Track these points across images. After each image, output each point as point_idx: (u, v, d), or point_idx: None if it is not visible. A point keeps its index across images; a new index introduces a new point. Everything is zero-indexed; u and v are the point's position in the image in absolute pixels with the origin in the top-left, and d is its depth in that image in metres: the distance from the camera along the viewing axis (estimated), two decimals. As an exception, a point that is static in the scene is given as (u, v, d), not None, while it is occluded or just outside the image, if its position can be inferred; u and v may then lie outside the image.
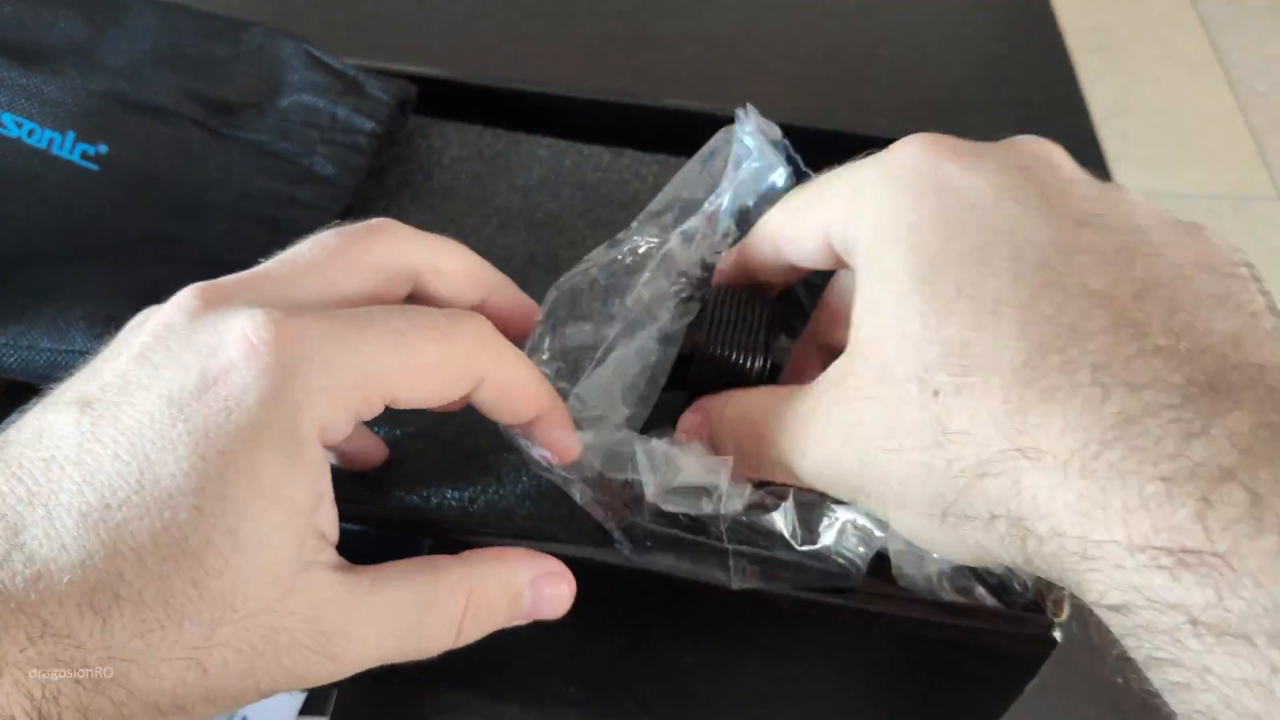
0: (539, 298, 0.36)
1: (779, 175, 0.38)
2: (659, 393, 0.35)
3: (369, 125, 0.48)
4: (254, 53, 0.49)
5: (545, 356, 0.35)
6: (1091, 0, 1.43)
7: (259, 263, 0.31)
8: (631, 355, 0.35)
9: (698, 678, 0.44)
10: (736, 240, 0.38)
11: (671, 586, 0.37)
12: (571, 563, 0.31)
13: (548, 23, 0.82)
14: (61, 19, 0.46)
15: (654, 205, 0.40)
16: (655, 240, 0.38)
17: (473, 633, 0.28)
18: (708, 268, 0.37)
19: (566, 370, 0.35)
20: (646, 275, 0.36)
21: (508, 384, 0.29)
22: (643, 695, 0.47)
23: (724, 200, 0.38)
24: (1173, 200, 1.24)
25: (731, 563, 0.35)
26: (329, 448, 0.26)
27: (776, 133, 0.39)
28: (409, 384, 0.26)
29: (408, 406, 0.27)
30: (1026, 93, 0.84)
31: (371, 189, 0.49)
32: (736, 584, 0.36)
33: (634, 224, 0.39)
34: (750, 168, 0.38)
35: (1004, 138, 0.28)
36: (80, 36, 0.46)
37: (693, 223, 0.38)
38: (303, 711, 0.42)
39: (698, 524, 0.35)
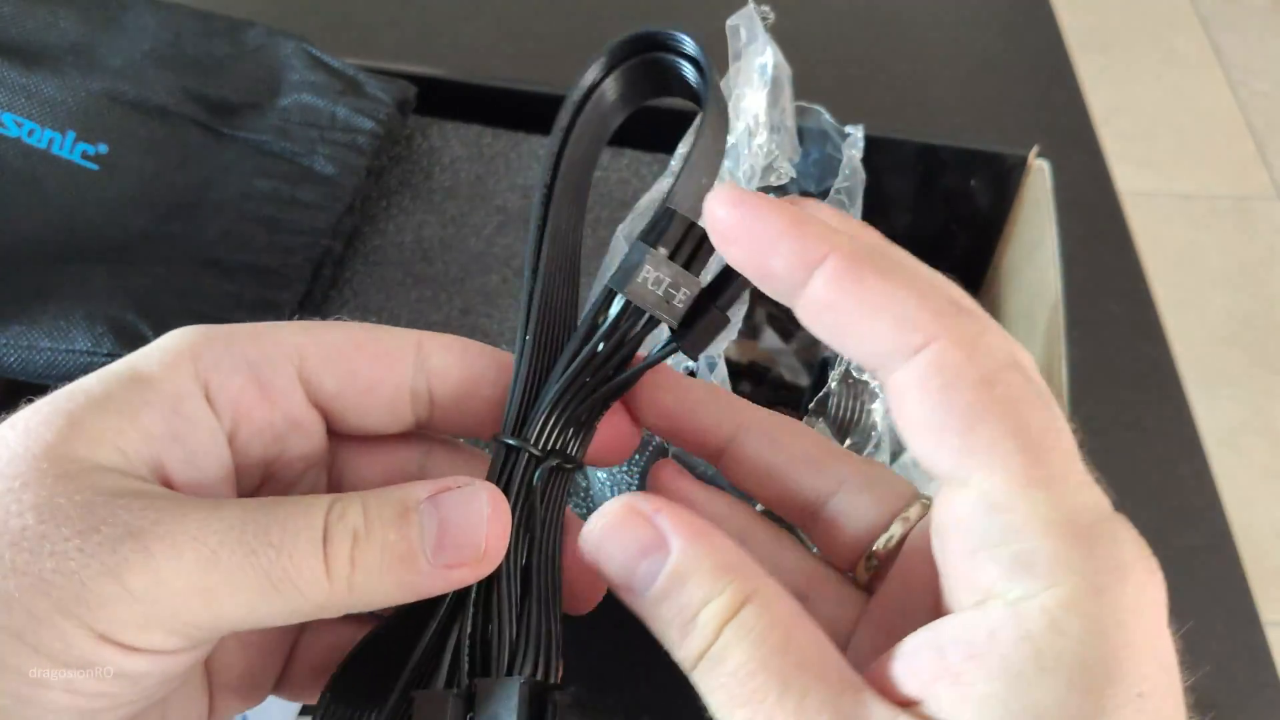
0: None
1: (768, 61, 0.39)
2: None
3: (369, 125, 0.48)
4: (254, 53, 0.49)
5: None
6: (1091, 0, 1.42)
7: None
8: None
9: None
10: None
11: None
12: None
13: (548, 23, 0.82)
14: (61, 19, 0.46)
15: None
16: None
17: (357, 565, 0.21)
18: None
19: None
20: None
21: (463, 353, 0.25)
22: (643, 695, 0.47)
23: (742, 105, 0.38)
24: (1173, 200, 1.24)
25: None
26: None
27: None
28: (325, 359, 0.24)
29: (333, 400, 0.24)
30: (1026, 93, 0.84)
31: (371, 189, 0.49)
32: None
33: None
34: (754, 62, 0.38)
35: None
36: (80, 36, 0.46)
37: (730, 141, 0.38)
38: (303, 711, 0.42)
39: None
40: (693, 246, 0.22)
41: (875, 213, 0.45)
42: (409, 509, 0.22)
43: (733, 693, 0.20)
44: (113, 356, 0.38)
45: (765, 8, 0.39)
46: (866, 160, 0.42)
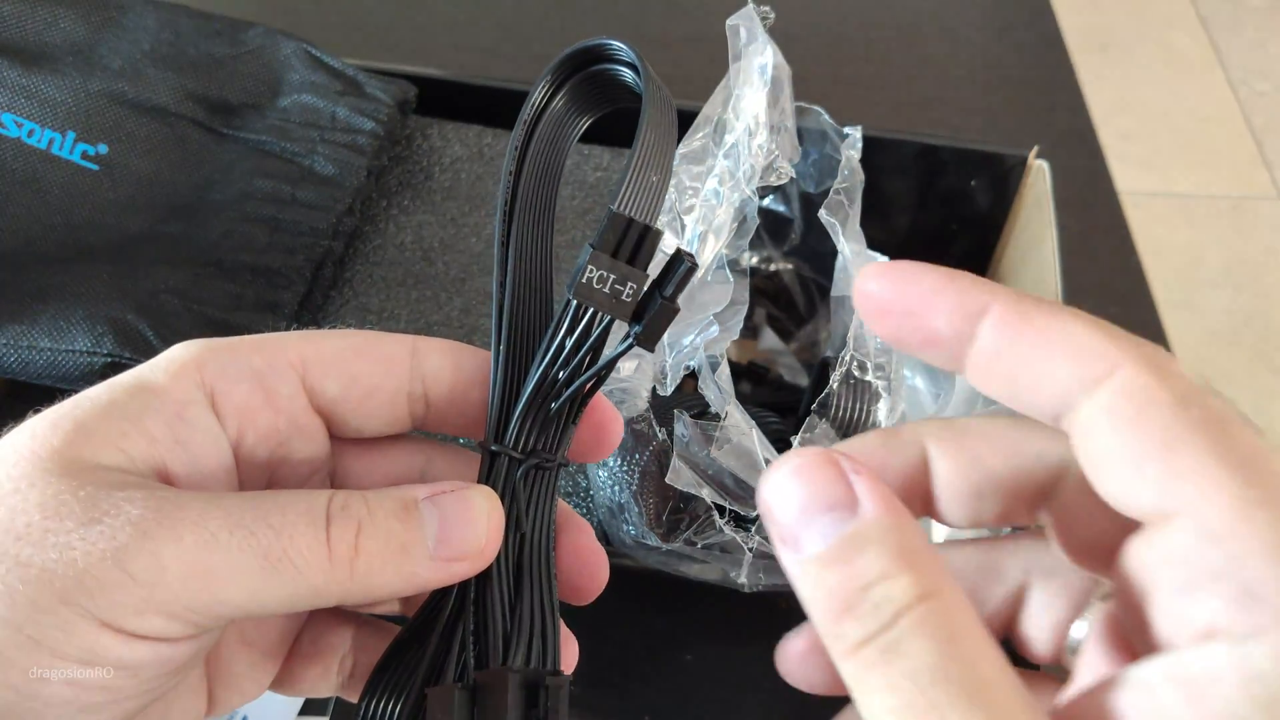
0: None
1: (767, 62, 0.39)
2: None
3: (369, 125, 0.48)
4: (254, 53, 0.49)
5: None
6: (1091, 0, 1.42)
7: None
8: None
9: (698, 678, 0.44)
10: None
11: (673, 586, 0.37)
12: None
13: (548, 23, 0.82)
14: (61, 19, 0.46)
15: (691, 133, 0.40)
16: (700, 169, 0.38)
17: (361, 551, 0.21)
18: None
19: None
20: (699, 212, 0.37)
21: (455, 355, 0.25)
22: (643, 695, 0.47)
23: (740, 104, 0.38)
24: (1173, 200, 1.24)
25: (748, 565, 0.35)
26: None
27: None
28: (327, 365, 0.24)
29: (334, 405, 0.25)
30: (1026, 93, 0.84)
31: (372, 189, 0.49)
32: (750, 586, 0.36)
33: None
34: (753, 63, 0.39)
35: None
36: (80, 36, 0.46)
37: (728, 141, 0.38)
38: (302, 712, 0.42)
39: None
40: (635, 242, 0.23)
41: (875, 213, 0.45)
42: (410, 505, 0.23)
43: (908, 699, 0.18)
44: (112, 356, 0.39)
45: (765, 8, 0.39)
46: (866, 160, 0.42)
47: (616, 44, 0.25)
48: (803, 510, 0.19)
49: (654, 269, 0.23)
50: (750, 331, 0.55)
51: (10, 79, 0.44)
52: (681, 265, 0.23)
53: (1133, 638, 0.20)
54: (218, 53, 0.49)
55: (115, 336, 0.39)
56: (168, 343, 0.39)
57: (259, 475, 0.25)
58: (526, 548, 0.24)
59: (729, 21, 0.39)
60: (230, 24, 0.50)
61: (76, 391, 0.23)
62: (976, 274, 0.22)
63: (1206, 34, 1.47)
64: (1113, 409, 0.19)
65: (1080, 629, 0.22)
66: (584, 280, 0.23)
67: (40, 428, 0.21)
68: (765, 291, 0.56)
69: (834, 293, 0.40)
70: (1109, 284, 0.71)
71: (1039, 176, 0.50)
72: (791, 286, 0.56)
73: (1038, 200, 0.50)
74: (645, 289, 0.23)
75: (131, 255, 0.42)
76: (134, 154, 0.45)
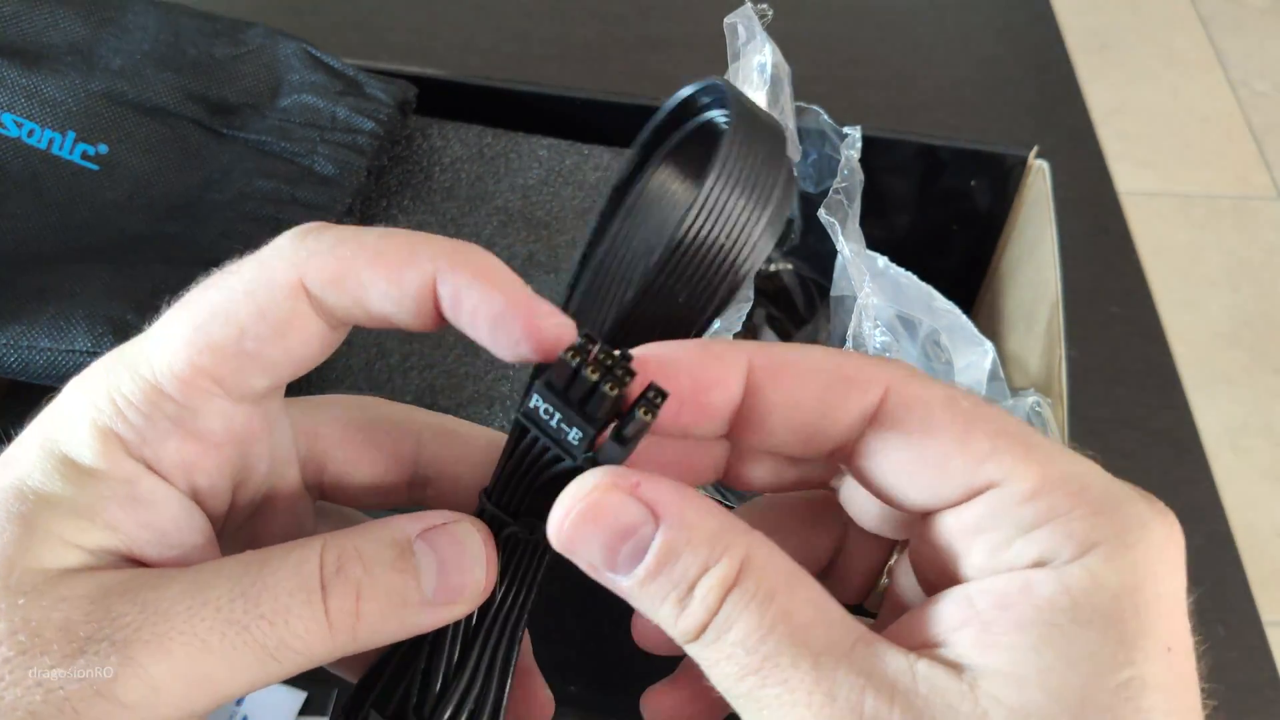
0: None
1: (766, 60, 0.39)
2: None
3: (369, 125, 0.48)
4: (254, 53, 0.49)
5: None
6: (1091, 0, 1.42)
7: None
8: None
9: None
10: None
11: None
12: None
13: (547, 23, 0.82)
14: (61, 19, 0.46)
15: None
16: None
17: (363, 615, 0.21)
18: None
19: None
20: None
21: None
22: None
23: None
24: (1173, 200, 1.25)
25: None
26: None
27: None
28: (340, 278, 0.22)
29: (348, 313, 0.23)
30: (1026, 93, 0.84)
31: (371, 189, 0.49)
32: None
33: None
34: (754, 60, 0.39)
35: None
36: (80, 36, 0.46)
37: None
38: (302, 712, 0.42)
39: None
40: (586, 391, 0.21)
41: (875, 213, 0.45)
42: (405, 550, 0.22)
43: (742, 663, 0.19)
44: (113, 356, 0.39)
45: (763, 5, 0.39)
46: (866, 160, 0.42)
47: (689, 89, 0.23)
48: (607, 548, 0.20)
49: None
50: (750, 332, 0.55)
51: (10, 79, 0.44)
52: (635, 416, 0.20)
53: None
54: (218, 53, 0.49)
55: (115, 336, 0.39)
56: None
57: (223, 494, 0.23)
58: (489, 614, 0.23)
59: (727, 20, 0.39)
60: (230, 24, 0.50)
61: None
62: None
63: (1206, 34, 1.47)
64: (898, 421, 0.21)
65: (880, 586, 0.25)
66: (530, 407, 0.21)
67: None
68: (765, 291, 0.56)
69: (834, 293, 0.40)
70: (1109, 284, 0.71)
71: (1039, 176, 0.50)
72: (791, 286, 0.56)
73: (1038, 200, 0.50)
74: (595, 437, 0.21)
75: (131, 255, 0.42)
76: (134, 154, 0.45)
